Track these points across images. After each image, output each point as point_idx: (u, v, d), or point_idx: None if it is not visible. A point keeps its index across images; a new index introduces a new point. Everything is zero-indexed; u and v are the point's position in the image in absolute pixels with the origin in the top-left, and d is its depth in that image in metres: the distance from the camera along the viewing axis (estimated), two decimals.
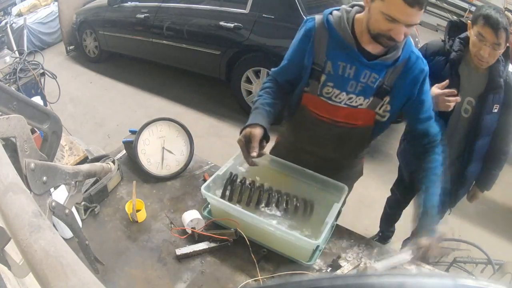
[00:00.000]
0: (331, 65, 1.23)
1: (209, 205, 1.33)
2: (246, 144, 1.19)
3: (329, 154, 1.44)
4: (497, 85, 1.59)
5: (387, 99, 1.26)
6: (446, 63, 1.64)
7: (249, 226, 1.20)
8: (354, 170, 1.58)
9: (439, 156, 1.30)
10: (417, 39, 3.58)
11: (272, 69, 1.41)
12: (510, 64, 1.64)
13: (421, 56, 1.26)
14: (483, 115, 1.63)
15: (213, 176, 1.32)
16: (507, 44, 1.57)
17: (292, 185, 1.39)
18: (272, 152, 1.61)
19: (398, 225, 2.48)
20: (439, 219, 1.34)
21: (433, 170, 1.27)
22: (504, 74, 1.59)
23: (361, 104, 1.28)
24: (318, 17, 1.25)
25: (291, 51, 1.33)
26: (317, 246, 1.18)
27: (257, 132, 1.18)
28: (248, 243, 1.18)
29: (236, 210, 1.19)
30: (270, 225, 1.14)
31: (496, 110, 1.64)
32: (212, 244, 1.23)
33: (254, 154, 1.16)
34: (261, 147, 1.21)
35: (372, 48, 1.19)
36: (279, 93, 1.36)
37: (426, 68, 1.25)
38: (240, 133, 1.22)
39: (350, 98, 1.27)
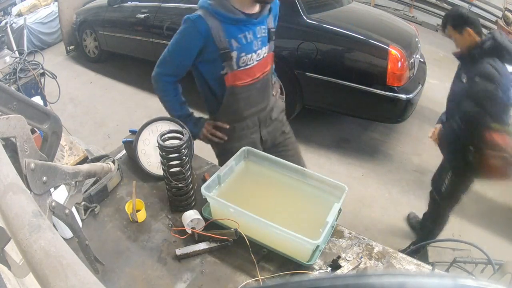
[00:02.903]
0: (235, 40, 1.45)
1: (208, 205, 1.33)
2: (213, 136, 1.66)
3: (263, 105, 1.70)
4: (465, 51, 1.82)
5: (274, 38, 1.60)
6: None
7: (249, 226, 1.20)
8: (281, 103, 1.89)
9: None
10: (417, 39, 3.58)
11: (158, 74, 1.57)
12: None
13: None
14: (454, 77, 1.93)
15: (213, 176, 1.32)
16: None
17: (291, 185, 1.39)
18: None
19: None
20: None
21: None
22: (481, 50, 1.75)
23: (265, 53, 1.58)
24: (201, 13, 1.42)
25: (180, 50, 1.49)
26: (317, 246, 1.18)
27: (211, 126, 1.65)
28: (248, 243, 1.18)
29: (236, 210, 1.19)
30: (270, 225, 1.14)
31: (464, 80, 1.80)
32: (212, 244, 1.23)
33: (219, 135, 1.65)
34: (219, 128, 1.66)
35: (251, 9, 1.47)
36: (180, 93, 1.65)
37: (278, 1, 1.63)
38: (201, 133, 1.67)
39: (258, 54, 1.55)
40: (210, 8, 1.41)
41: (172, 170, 1.30)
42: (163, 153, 1.27)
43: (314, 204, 1.33)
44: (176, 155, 1.27)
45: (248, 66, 1.53)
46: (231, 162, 1.40)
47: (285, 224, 1.14)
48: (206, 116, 1.73)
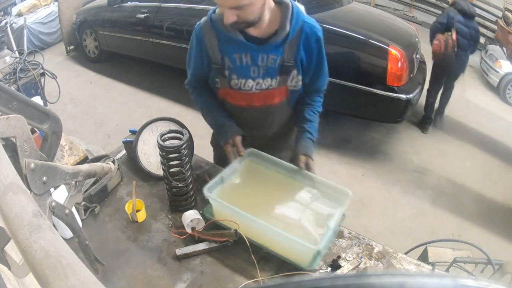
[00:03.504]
0: (228, 59, 1.29)
1: (209, 206, 1.32)
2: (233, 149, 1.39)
3: (259, 132, 1.51)
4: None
5: (294, 72, 1.32)
6: None
7: (250, 228, 1.19)
8: (290, 139, 1.60)
9: (320, 103, 1.49)
10: (417, 39, 3.58)
11: (187, 82, 1.50)
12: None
13: (315, 23, 1.30)
14: None
15: (216, 177, 1.31)
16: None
17: (294, 188, 1.38)
18: (212, 139, 1.70)
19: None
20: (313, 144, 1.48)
21: (316, 108, 1.47)
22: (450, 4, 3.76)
23: (271, 85, 1.34)
24: (203, 19, 1.31)
25: (192, 58, 1.40)
26: (318, 251, 1.18)
27: (239, 139, 1.39)
28: (248, 243, 1.18)
29: (238, 212, 1.18)
30: (271, 228, 1.13)
31: None
32: (212, 244, 1.23)
33: (242, 154, 1.37)
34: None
35: (257, 32, 1.25)
36: (212, 94, 1.47)
37: (321, 34, 1.31)
38: (223, 144, 1.42)
39: (258, 83, 1.33)
40: (210, 19, 1.29)
41: (172, 170, 1.30)
42: (163, 153, 1.27)
43: (317, 208, 1.32)
44: (176, 155, 1.27)
45: (243, 91, 1.36)
46: (235, 163, 1.39)
47: (286, 228, 1.13)
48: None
